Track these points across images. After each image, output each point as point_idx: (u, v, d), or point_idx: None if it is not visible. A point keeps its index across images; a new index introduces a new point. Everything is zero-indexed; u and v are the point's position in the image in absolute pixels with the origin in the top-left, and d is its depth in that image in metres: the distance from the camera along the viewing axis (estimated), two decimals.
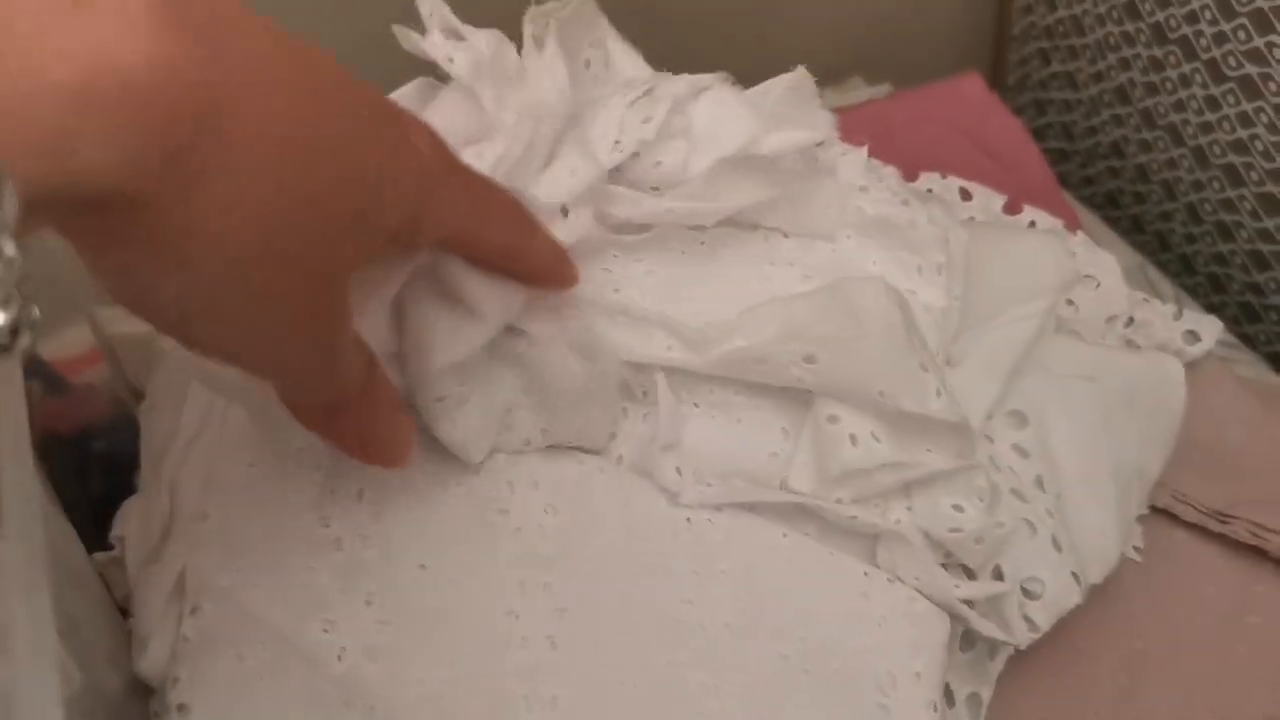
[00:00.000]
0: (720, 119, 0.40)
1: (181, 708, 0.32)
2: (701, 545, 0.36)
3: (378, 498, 0.36)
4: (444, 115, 0.37)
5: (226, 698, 0.32)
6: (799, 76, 0.41)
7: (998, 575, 0.38)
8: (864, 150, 0.43)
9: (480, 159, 0.36)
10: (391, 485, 0.36)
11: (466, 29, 0.39)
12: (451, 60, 0.38)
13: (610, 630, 0.35)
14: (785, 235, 0.42)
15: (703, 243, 0.41)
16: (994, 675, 0.39)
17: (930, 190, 0.44)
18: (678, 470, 0.37)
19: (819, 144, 0.41)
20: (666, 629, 0.35)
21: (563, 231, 0.36)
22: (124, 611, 0.36)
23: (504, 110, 0.37)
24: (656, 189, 0.40)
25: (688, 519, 0.37)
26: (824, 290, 0.37)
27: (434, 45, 0.38)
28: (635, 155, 0.39)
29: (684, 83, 0.40)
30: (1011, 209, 0.49)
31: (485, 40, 0.38)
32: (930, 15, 0.78)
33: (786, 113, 0.41)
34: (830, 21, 0.73)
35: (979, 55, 0.81)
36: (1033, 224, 0.49)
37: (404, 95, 0.39)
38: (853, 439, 0.36)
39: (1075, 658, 0.41)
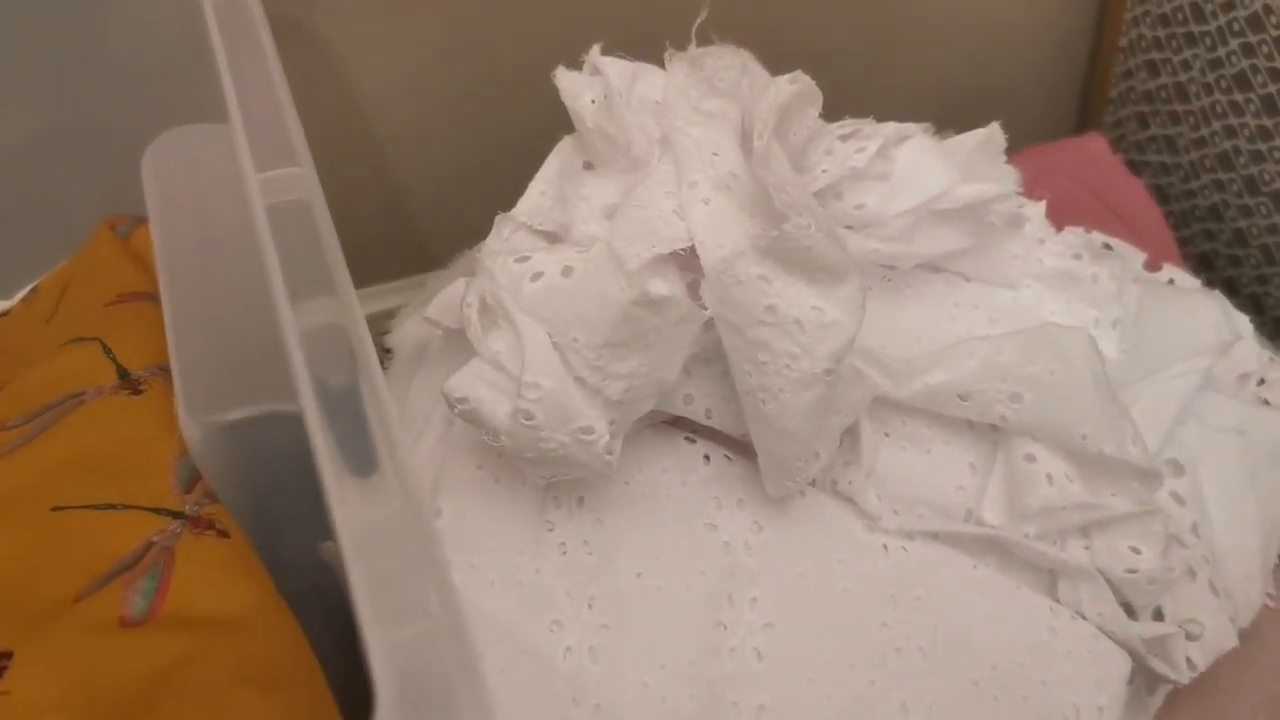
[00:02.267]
0: (920, 166, 0.42)
1: None
2: (898, 571, 0.38)
3: (597, 505, 0.37)
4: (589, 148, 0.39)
5: None
6: (991, 132, 0.44)
7: (1158, 616, 0.40)
8: (1043, 205, 0.45)
9: (609, 185, 0.37)
10: (610, 495, 0.37)
11: (604, 62, 0.42)
12: (578, 99, 0.40)
13: (814, 647, 0.37)
14: (966, 280, 0.44)
15: (889, 280, 0.43)
16: (1153, 710, 0.41)
17: (1108, 246, 0.46)
18: (877, 497, 0.39)
19: (1004, 197, 0.43)
20: (866, 650, 0.37)
21: None
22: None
23: (622, 136, 0.39)
24: (850, 228, 0.42)
25: (884, 545, 0.39)
26: (1026, 333, 0.39)
27: (563, 82, 0.41)
28: (838, 196, 0.41)
29: (890, 128, 0.42)
30: (1149, 267, 0.51)
31: (616, 72, 0.40)
32: (1020, 77, 0.80)
33: (975, 165, 0.43)
34: (927, 74, 0.75)
35: (1067, 115, 0.84)
36: (1171, 282, 0.51)
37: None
38: (1049, 478, 0.38)
39: (1218, 695, 0.43)
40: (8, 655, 0.25)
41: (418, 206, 0.61)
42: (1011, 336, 0.39)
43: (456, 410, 0.33)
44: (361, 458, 0.23)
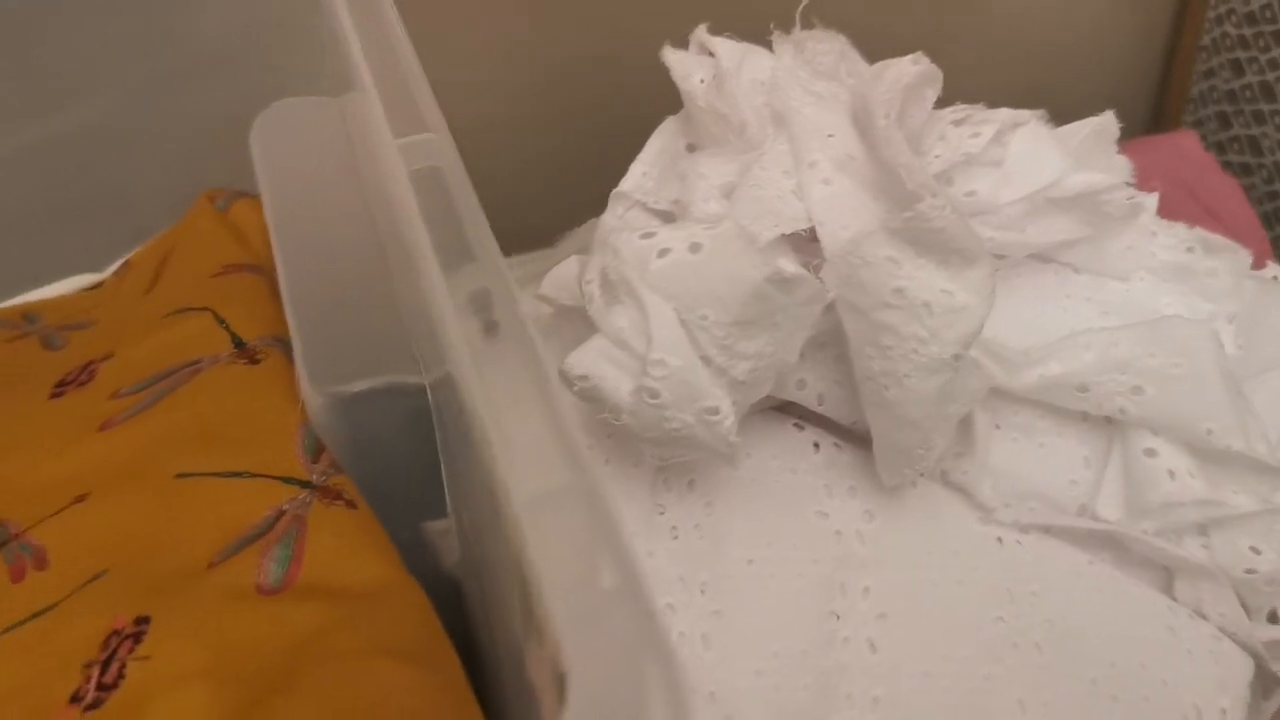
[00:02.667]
0: (1033, 154, 0.41)
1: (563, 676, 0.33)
2: (1013, 565, 0.37)
3: (708, 489, 0.37)
4: (699, 128, 0.39)
5: None
6: (1105, 121, 0.43)
7: (1272, 618, 0.39)
8: (1156, 196, 0.44)
9: (724, 164, 0.37)
10: (721, 479, 0.37)
11: (715, 42, 0.41)
12: (689, 79, 0.40)
13: (928, 639, 0.36)
14: (1075, 271, 0.43)
15: (999, 269, 0.42)
16: (1268, 715, 0.39)
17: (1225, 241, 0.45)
18: (991, 489, 0.38)
19: (1116, 188, 0.42)
20: (981, 643, 0.36)
21: None
22: (453, 579, 0.37)
23: (736, 115, 0.38)
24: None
25: (998, 538, 0.38)
26: (1146, 326, 0.38)
27: (673, 61, 0.40)
28: (949, 182, 0.40)
29: (1003, 114, 0.41)
30: (1254, 264, 0.50)
31: (726, 52, 0.40)
32: (1093, 75, 0.79)
33: (1088, 154, 0.42)
34: (998, 68, 0.74)
35: (1139, 114, 0.83)
36: (1276, 279, 0.50)
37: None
38: (1170, 474, 0.37)
39: None
40: (145, 620, 0.25)
41: (506, 189, 0.61)
42: (1129, 329, 0.38)
43: (575, 388, 0.33)
44: None
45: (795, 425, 0.39)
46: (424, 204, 0.27)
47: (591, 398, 0.33)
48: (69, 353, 0.37)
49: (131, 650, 0.24)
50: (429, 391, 0.31)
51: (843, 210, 0.36)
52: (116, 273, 0.45)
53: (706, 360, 0.32)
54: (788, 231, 0.35)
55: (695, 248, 0.32)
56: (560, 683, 0.19)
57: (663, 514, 0.36)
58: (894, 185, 0.36)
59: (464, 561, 0.36)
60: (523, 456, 0.22)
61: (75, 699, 0.23)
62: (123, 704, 0.23)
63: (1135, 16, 0.78)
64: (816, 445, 0.39)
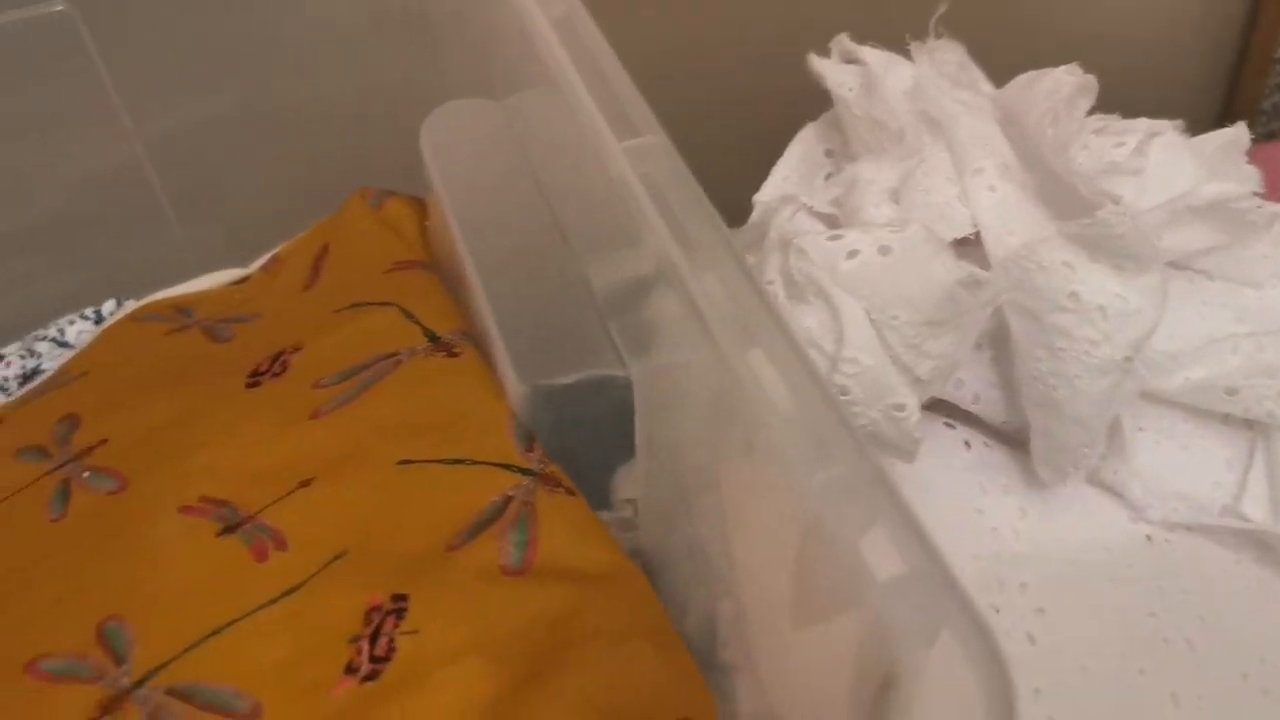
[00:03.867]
0: (1171, 164, 0.42)
1: (730, 666, 0.34)
2: (1164, 562, 0.38)
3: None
4: (850, 134, 0.40)
5: (760, 663, 0.34)
6: (1236, 132, 0.44)
7: None
8: None
9: (888, 169, 0.38)
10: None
11: (863, 51, 0.42)
12: (842, 86, 0.41)
13: (1084, 633, 0.37)
14: (1210, 278, 0.44)
15: None
16: None
17: None
18: (1141, 489, 0.39)
19: (1246, 196, 0.44)
20: (1135, 639, 0.37)
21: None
22: None
23: (893, 121, 0.39)
24: None
25: (1147, 536, 0.39)
26: None
27: (826, 69, 0.41)
28: None
29: (1143, 124, 0.42)
30: None
31: (875, 60, 0.41)
32: (1160, 87, 0.80)
33: (1218, 164, 0.43)
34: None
35: (1206, 127, 0.84)
36: None
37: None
38: None
39: None
40: (403, 597, 0.26)
41: None
42: (1274, 335, 0.39)
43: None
44: None
45: (945, 424, 0.40)
46: (660, 205, 0.28)
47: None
48: (240, 344, 0.38)
49: (396, 625, 0.25)
50: (635, 384, 0.32)
51: (1009, 216, 0.37)
52: (265, 268, 0.46)
53: (894, 359, 0.33)
54: (958, 236, 0.36)
55: (885, 250, 0.33)
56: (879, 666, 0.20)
57: None
58: (1061, 192, 0.37)
59: (656, 550, 0.37)
60: (808, 451, 0.23)
61: (350, 670, 0.24)
62: (399, 676, 0.24)
63: (1203, 29, 0.80)
64: (968, 444, 0.40)
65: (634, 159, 0.29)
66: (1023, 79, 0.41)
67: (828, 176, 0.44)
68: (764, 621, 0.30)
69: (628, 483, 0.38)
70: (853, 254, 0.34)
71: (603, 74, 0.32)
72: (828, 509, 0.22)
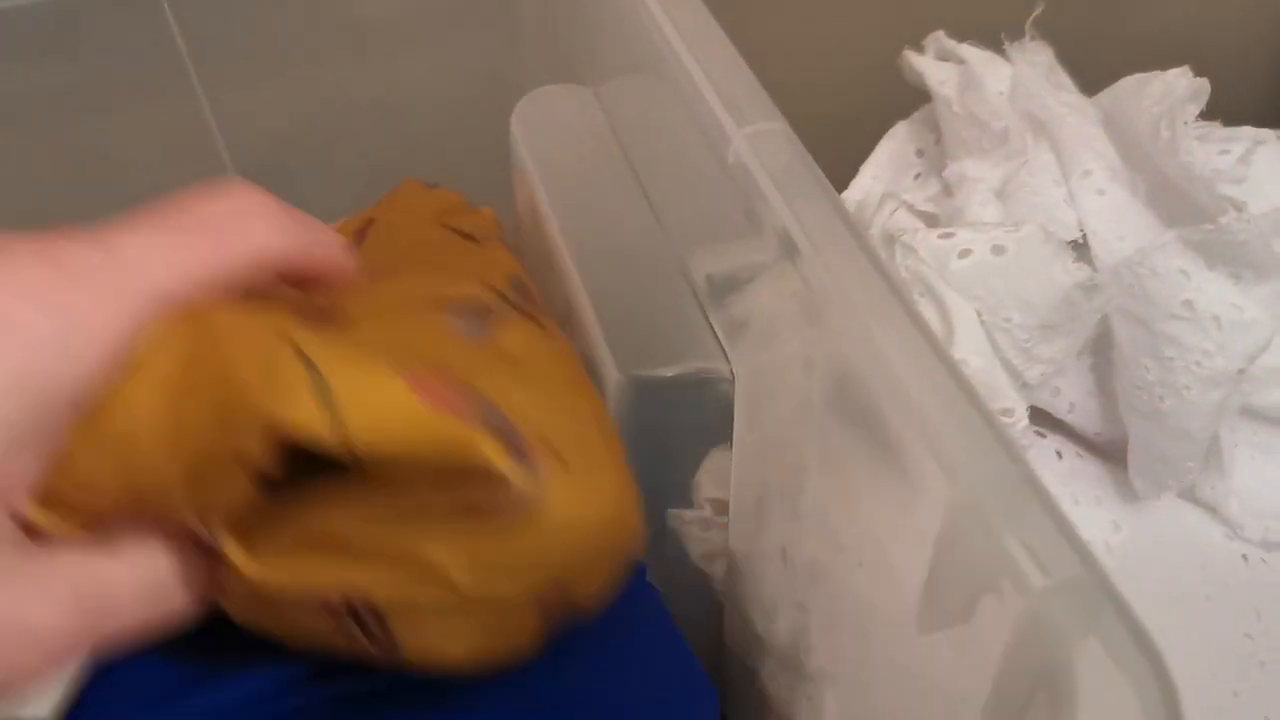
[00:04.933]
0: (1274, 173, 0.41)
1: (821, 673, 0.33)
2: (1260, 583, 0.37)
3: None
4: (948, 133, 0.39)
5: (858, 669, 0.33)
6: None
7: None
8: None
9: (992, 169, 0.37)
10: None
11: (964, 49, 0.41)
12: (944, 84, 0.40)
13: (1175, 652, 0.36)
14: None
15: None
16: None
17: None
18: (1238, 506, 0.38)
19: None
20: (1229, 660, 0.36)
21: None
22: (702, 571, 0.37)
23: (997, 121, 0.39)
24: None
25: (1243, 555, 0.38)
26: None
27: (926, 66, 0.41)
28: None
29: (1246, 132, 0.41)
30: None
31: (976, 58, 0.40)
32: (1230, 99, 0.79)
33: None
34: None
35: None
36: None
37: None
38: None
39: None
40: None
41: None
42: None
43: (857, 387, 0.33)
44: None
45: (1037, 432, 0.39)
46: (786, 194, 0.27)
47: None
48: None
49: None
50: (737, 379, 0.31)
51: (1118, 220, 0.36)
52: None
53: (1004, 362, 0.32)
54: (1066, 239, 0.35)
55: (999, 250, 0.32)
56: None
57: (907, 514, 0.36)
58: (1172, 197, 0.36)
59: (744, 552, 0.36)
60: (949, 441, 0.22)
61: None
62: None
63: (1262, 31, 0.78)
64: (1059, 453, 0.39)
65: (755, 146, 0.28)
66: (1129, 82, 0.40)
67: (917, 176, 0.44)
68: (878, 624, 0.29)
69: (711, 481, 0.37)
70: (965, 253, 0.33)
71: (716, 58, 0.31)
72: (976, 510, 0.21)
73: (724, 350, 0.32)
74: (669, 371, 0.31)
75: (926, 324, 0.24)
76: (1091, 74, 0.46)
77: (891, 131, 0.44)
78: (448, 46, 0.53)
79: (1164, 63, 0.45)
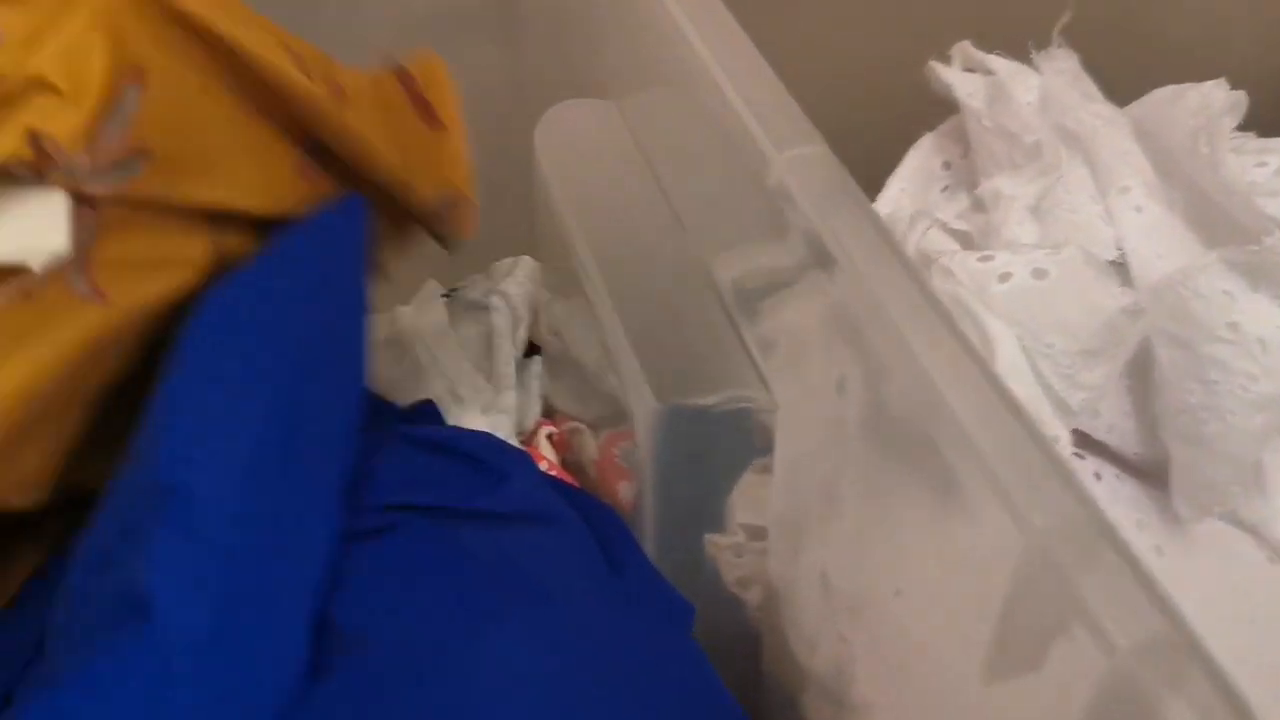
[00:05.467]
0: None
1: (865, 705, 0.32)
2: None
3: None
4: (978, 146, 0.39)
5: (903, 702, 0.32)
6: None
7: None
8: None
9: (1027, 185, 0.36)
10: None
11: (991, 60, 0.41)
12: (973, 97, 0.39)
13: None
14: None
15: None
16: None
17: None
18: None
19: None
20: (1275, 687, 0.35)
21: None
22: (736, 596, 0.36)
23: (1028, 134, 0.38)
24: None
25: None
26: None
27: (953, 78, 0.40)
28: None
29: None
30: None
31: (1004, 69, 0.39)
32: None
33: None
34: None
35: None
36: None
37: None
38: None
39: None
40: None
41: None
42: None
43: (897, 414, 0.32)
44: None
45: (1076, 454, 0.38)
46: (826, 220, 0.26)
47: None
48: None
49: None
50: (779, 408, 0.30)
51: (1157, 238, 0.35)
52: None
53: (1046, 389, 0.32)
54: (1105, 259, 0.34)
55: (1040, 273, 0.32)
56: None
57: (948, 541, 0.36)
58: (1212, 213, 0.35)
59: (782, 578, 0.35)
60: (1016, 481, 0.21)
61: None
62: None
63: None
64: (1098, 475, 0.38)
65: (797, 170, 0.27)
66: (1163, 94, 0.39)
67: (944, 189, 0.43)
68: (923, 658, 0.28)
69: (745, 506, 0.37)
70: (1005, 276, 0.32)
71: (750, 74, 0.30)
72: (1049, 558, 0.20)
73: (762, 375, 0.31)
74: (709, 401, 0.30)
75: (979, 353, 0.23)
76: (1116, 82, 0.45)
77: (918, 143, 0.43)
78: (451, 56, 0.52)
79: (1189, 70, 0.45)
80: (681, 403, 0.30)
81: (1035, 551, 0.21)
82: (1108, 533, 0.21)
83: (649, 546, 0.35)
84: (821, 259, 0.26)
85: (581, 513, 0.33)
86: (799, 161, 0.27)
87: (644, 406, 0.31)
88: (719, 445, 0.31)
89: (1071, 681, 0.20)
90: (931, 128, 0.45)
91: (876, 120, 0.47)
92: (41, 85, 0.26)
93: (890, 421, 0.30)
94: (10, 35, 0.25)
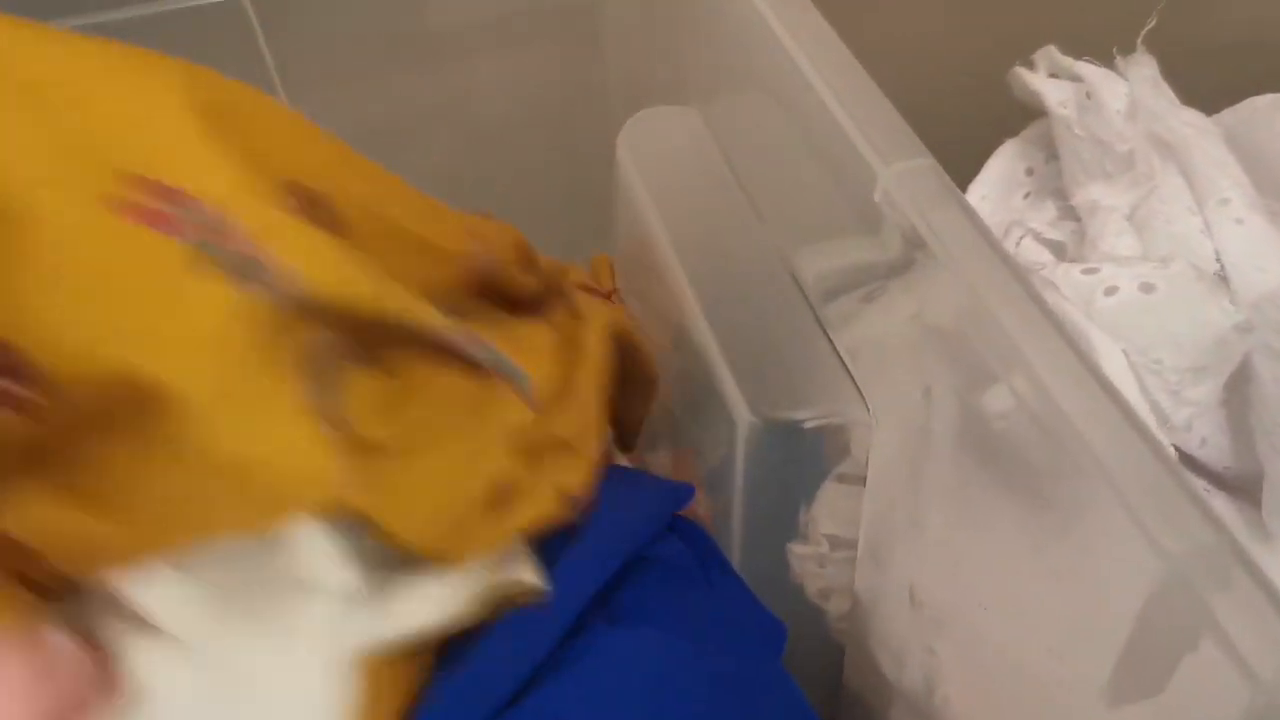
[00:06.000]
0: None
1: (942, 705, 0.32)
2: None
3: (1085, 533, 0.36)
4: (1068, 154, 0.38)
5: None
6: None
7: None
8: None
9: (1122, 195, 0.36)
10: (1096, 524, 0.36)
11: (1080, 66, 0.40)
12: (1063, 105, 0.39)
13: None
14: None
15: None
16: None
17: None
18: None
19: None
20: None
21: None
22: (818, 607, 0.36)
23: (1121, 143, 0.37)
24: None
25: None
26: None
27: (1041, 85, 0.39)
28: None
29: None
30: None
31: (1093, 76, 0.39)
32: None
33: None
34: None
35: None
36: None
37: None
38: None
39: None
40: None
41: None
42: None
43: (996, 426, 0.32)
44: None
45: None
46: (941, 238, 0.26)
47: (1012, 440, 0.32)
48: None
49: None
50: (876, 422, 0.30)
51: (1258, 251, 0.34)
52: None
53: (1153, 405, 0.31)
54: (1210, 272, 0.34)
55: (1148, 288, 0.31)
56: None
57: (1037, 554, 0.35)
58: None
59: (868, 590, 0.35)
60: (1147, 506, 0.21)
61: None
62: None
63: None
64: None
65: (905, 184, 0.27)
66: (1260, 102, 0.38)
67: (1026, 195, 0.42)
68: (1019, 674, 0.28)
69: (828, 515, 0.36)
70: (1111, 290, 0.31)
71: (851, 84, 0.30)
72: (1184, 583, 0.20)
73: (858, 388, 0.30)
74: (805, 416, 0.30)
75: (1101, 369, 0.23)
76: (1193, 88, 0.44)
77: (1000, 149, 0.43)
78: (532, 61, 0.52)
79: (1266, 75, 0.44)
80: (777, 417, 0.30)
81: (1169, 576, 0.20)
82: (1242, 557, 0.20)
83: (734, 557, 0.35)
84: (927, 269, 0.26)
85: (676, 532, 0.33)
86: (908, 174, 0.27)
87: (738, 419, 0.31)
88: (808, 456, 0.31)
89: (1209, 709, 0.20)
90: (1007, 132, 0.45)
91: (953, 125, 0.47)
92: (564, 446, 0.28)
93: (990, 435, 0.30)
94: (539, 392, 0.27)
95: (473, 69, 0.51)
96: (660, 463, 0.42)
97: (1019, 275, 0.25)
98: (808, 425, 0.30)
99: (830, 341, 0.32)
